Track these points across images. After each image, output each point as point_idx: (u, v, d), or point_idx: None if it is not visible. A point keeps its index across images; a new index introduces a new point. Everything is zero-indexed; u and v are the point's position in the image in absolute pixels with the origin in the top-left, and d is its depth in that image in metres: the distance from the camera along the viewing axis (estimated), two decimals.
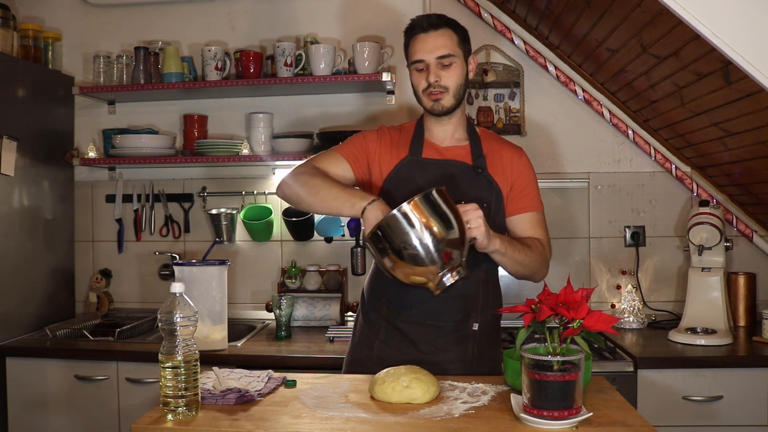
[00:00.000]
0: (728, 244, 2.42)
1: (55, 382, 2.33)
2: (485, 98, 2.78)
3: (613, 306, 2.68)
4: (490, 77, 2.77)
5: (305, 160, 1.73)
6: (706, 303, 2.37)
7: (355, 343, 1.76)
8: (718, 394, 2.09)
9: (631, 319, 2.53)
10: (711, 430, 2.10)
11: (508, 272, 1.65)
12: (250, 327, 2.66)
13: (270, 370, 1.48)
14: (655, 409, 2.09)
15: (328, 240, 2.78)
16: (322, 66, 2.57)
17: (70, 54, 2.94)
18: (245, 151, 2.65)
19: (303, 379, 1.47)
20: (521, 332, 1.26)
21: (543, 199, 1.76)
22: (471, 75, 1.71)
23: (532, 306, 1.24)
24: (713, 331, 2.28)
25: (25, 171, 2.55)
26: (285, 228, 2.76)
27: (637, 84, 2.40)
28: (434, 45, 1.63)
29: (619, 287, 2.70)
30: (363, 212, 1.46)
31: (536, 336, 1.26)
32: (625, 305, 2.56)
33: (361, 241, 2.66)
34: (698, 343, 2.23)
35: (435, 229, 1.32)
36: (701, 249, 2.38)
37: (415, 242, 1.32)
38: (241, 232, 2.85)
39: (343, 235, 2.74)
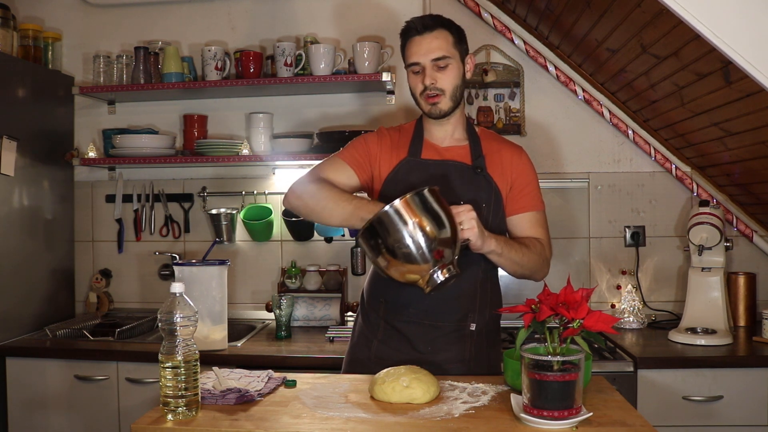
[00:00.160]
0: (728, 244, 2.42)
1: (55, 382, 2.33)
2: (485, 98, 2.78)
3: (613, 306, 2.68)
4: (490, 77, 2.77)
5: (310, 169, 1.72)
6: (706, 303, 2.37)
7: (354, 343, 1.77)
8: (718, 394, 2.09)
9: (631, 319, 2.53)
10: (711, 430, 2.10)
11: (507, 272, 1.65)
12: (250, 327, 2.66)
13: (270, 370, 1.48)
14: (655, 409, 2.09)
15: (328, 240, 2.78)
16: (322, 66, 2.57)
17: (70, 54, 2.94)
18: (245, 151, 2.65)
19: (303, 379, 1.47)
20: (521, 332, 1.26)
21: (543, 199, 1.75)
22: (469, 75, 1.71)
23: (532, 306, 1.25)
24: (713, 331, 2.28)
25: (25, 171, 2.55)
26: (285, 228, 2.76)
27: (637, 84, 2.40)
28: (429, 47, 1.63)
29: (619, 287, 2.70)
30: None
31: (536, 336, 1.26)
32: (625, 305, 2.56)
33: (356, 238, 2.66)
34: (698, 343, 2.23)
35: (426, 227, 1.32)
36: (701, 249, 2.38)
37: (407, 239, 1.32)
38: (241, 232, 2.85)
39: (343, 235, 2.74)
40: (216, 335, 2.24)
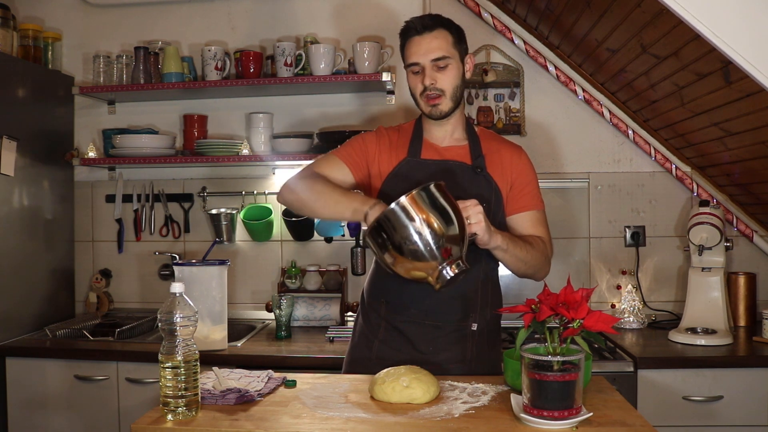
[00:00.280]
0: (728, 244, 2.42)
1: (55, 382, 2.33)
2: (485, 98, 2.78)
3: (613, 306, 2.68)
4: (490, 77, 2.77)
5: (305, 166, 1.72)
6: (706, 303, 2.37)
7: (355, 344, 1.76)
8: (718, 394, 2.09)
9: (631, 319, 2.53)
10: (711, 430, 2.10)
11: (510, 270, 1.64)
12: (250, 327, 2.66)
13: (270, 370, 1.48)
14: (655, 409, 2.09)
15: (328, 240, 2.78)
16: (322, 66, 2.57)
17: (70, 54, 2.94)
18: (245, 151, 2.65)
19: (303, 379, 1.47)
20: (521, 332, 1.26)
21: (543, 199, 1.75)
22: (468, 75, 1.70)
23: (532, 306, 1.24)
24: (713, 331, 2.28)
25: (25, 171, 2.55)
26: (285, 228, 2.76)
27: (637, 84, 2.40)
28: (428, 47, 1.62)
29: (619, 287, 2.70)
30: (366, 216, 1.45)
31: (536, 336, 1.26)
32: (625, 305, 2.56)
33: (361, 241, 2.66)
34: (698, 343, 2.23)
35: (434, 223, 1.31)
36: (701, 249, 2.38)
37: (414, 236, 1.31)
38: (241, 232, 2.85)
39: (343, 235, 2.74)
40: (216, 335, 2.24)
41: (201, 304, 2.11)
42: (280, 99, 2.84)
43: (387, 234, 1.33)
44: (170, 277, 2.82)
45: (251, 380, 1.42)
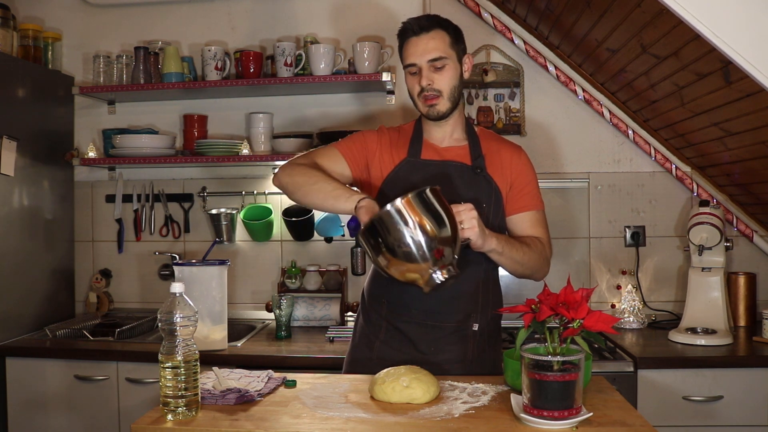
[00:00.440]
0: (728, 244, 2.42)
1: (55, 382, 2.33)
2: (485, 98, 2.78)
3: (613, 306, 2.68)
4: (490, 77, 2.77)
5: (304, 153, 1.73)
6: (706, 303, 2.37)
7: (356, 344, 1.76)
8: (718, 394, 2.09)
9: (631, 319, 2.53)
10: (711, 430, 2.10)
11: (508, 271, 1.65)
12: (250, 327, 2.66)
13: (270, 370, 1.48)
14: (655, 409, 2.08)
15: (328, 240, 2.78)
16: (322, 66, 2.57)
17: (70, 54, 2.94)
18: (245, 151, 2.65)
19: (303, 379, 1.47)
20: (521, 332, 1.26)
21: (543, 199, 1.75)
22: (467, 75, 1.70)
23: (532, 306, 1.25)
24: (713, 331, 2.28)
25: (25, 171, 2.55)
26: (285, 228, 2.76)
27: (637, 84, 2.40)
28: (425, 48, 1.62)
29: (619, 287, 2.70)
30: (356, 209, 1.46)
31: (536, 336, 1.26)
32: (625, 305, 2.56)
33: (357, 236, 2.66)
34: (698, 343, 2.23)
35: (427, 226, 1.32)
36: (701, 249, 2.38)
37: (407, 239, 1.32)
38: (241, 232, 2.85)
39: (343, 235, 2.74)
40: (216, 335, 2.24)
41: (201, 304, 2.11)
42: (280, 99, 2.84)
43: (381, 236, 1.34)
44: (170, 277, 2.82)
45: (251, 380, 1.42)
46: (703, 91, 2.03)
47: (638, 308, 2.55)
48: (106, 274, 2.90)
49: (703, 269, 2.41)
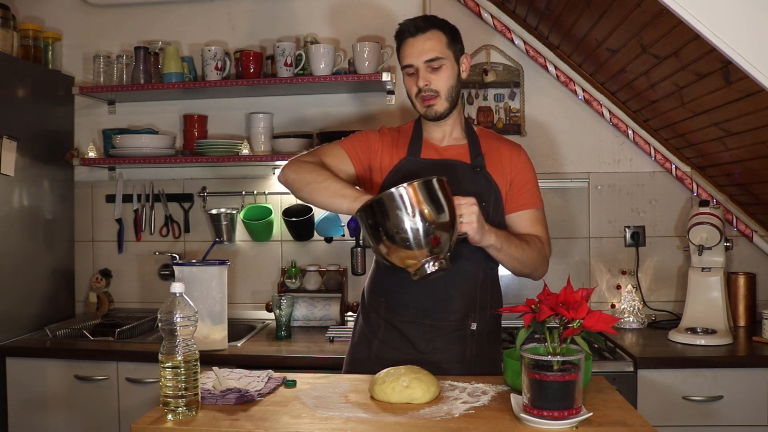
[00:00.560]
0: (728, 244, 2.42)
1: (55, 382, 2.33)
2: (485, 98, 2.78)
3: (613, 306, 2.68)
4: (490, 77, 2.77)
5: (309, 150, 1.73)
6: (706, 303, 2.37)
7: (355, 343, 1.76)
8: (718, 394, 2.09)
9: (631, 319, 2.53)
10: (711, 430, 2.10)
11: (506, 268, 1.65)
12: (250, 327, 2.66)
13: (270, 370, 1.48)
14: (655, 409, 2.09)
15: (328, 240, 2.78)
16: (322, 66, 2.57)
17: (70, 54, 2.94)
18: (245, 151, 2.65)
19: (303, 379, 1.47)
20: (521, 332, 1.26)
21: (543, 199, 1.75)
22: (464, 75, 1.70)
23: (532, 306, 1.25)
24: (713, 331, 2.28)
25: (25, 171, 2.55)
26: (285, 228, 2.76)
27: (637, 84, 2.40)
28: (422, 49, 1.62)
29: (619, 287, 2.70)
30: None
31: (536, 336, 1.26)
32: (625, 305, 2.56)
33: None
34: (698, 343, 2.23)
35: (427, 214, 1.33)
36: (701, 249, 2.38)
37: (405, 224, 1.32)
38: (241, 232, 2.85)
39: (343, 235, 2.74)
40: (216, 335, 2.24)
41: (201, 304, 2.11)
42: (280, 99, 2.84)
43: (378, 216, 1.35)
44: (170, 277, 2.82)
45: (251, 380, 1.42)
46: (703, 91, 2.03)
47: (638, 308, 2.55)
48: (106, 274, 2.90)
49: (703, 269, 2.41)
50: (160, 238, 2.90)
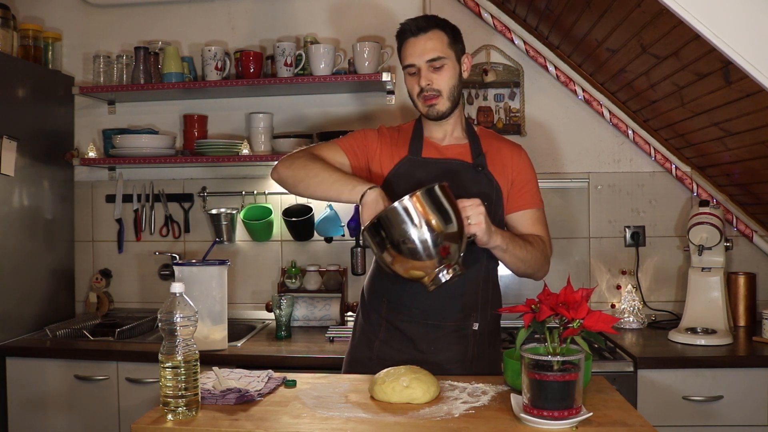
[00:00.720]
0: (728, 244, 2.42)
1: (55, 382, 2.33)
2: (485, 98, 2.78)
3: (613, 306, 2.68)
4: (490, 77, 2.77)
5: (303, 147, 1.72)
6: (706, 303, 2.37)
7: (355, 343, 1.76)
8: (718, 394, 2.09)
9: (631, 319, 2.53)
10: (711, 430, 2.10)
11: (510, 269, 1.64)
12: (250, 327, 2.66)
13: (270, 370, 1.48)
14: (655, 409, 2.09)
15: (328, 240, 2.78)
16: (322, 66, 2.57)
17: (70, 54, 2.94)
18: (245, 151, 2.65)
19: (303, 379, 1.47)
20: (521, 332, 1.26)
21: (543, 199, 1.75)
22: (466, 74, 1.70)
23: (532, 306, 1.25)
24: (713, 331, 2.28)
25: (25, 171, 2.55)
26: (285, 228, 2.76)
27: (637, 84, 2.40)
28: (423, 48, 1.62)
29: (619, 287, 2.70)
30: (362, 197, 1.44)
31: (536, 336, 1.26)
32: (625, 305, 2.56)
33: (361, 241, 2.66)
34: (698, 343, 2.23)
35: (434, 224, 1.31)
36: (701, 249, 2.38)
37: (414, 236, 1.31)
38: (241, 232, 2.85)
39: (343, 235, 2.74)
40: (216, 335, 2.24)
41: (201, 304, 2.11)
42: (280, 99, 2.85)
43: (386, 231, 1.33)
44: (170, 277, 2.82)
45: (251, 380, 1.42)
46: (703, 91, 2.03)
47: (638, 308, 2.55)
48: (106, 274, 2.90)
49: (703, 269, 2.41)
50: (160, 238, 2.90)
